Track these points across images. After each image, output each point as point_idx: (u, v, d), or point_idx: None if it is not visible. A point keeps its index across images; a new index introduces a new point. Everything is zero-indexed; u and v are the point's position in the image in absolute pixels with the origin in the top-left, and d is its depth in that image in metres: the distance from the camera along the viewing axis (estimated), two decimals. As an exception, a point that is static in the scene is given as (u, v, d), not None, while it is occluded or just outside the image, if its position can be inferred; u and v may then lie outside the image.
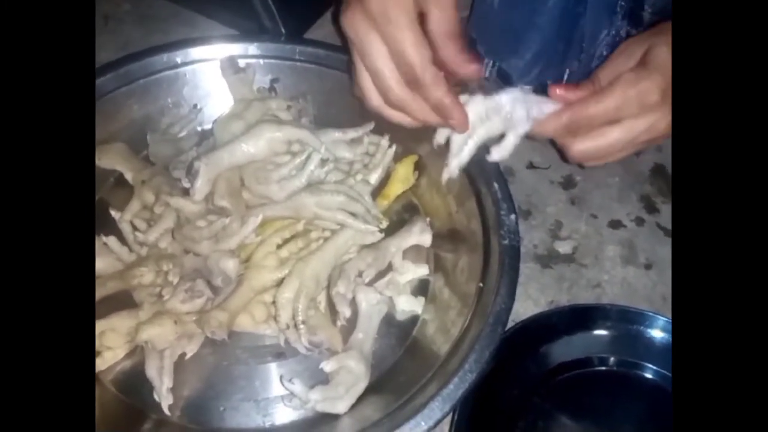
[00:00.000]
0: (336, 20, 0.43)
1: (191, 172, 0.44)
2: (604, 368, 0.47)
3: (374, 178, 0.48)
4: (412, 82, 0.37)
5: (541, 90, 0.50)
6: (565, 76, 0.55)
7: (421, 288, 0.48)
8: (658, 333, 0.47)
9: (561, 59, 0.54)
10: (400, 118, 0.40)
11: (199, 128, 0.54)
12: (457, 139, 0.41)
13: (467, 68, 0.38)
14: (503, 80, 0.58)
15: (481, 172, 0.46)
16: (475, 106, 0.39)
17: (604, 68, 0.40)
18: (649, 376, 0.47)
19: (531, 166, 0.59)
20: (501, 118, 0.39)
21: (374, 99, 0.39)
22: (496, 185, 0.46)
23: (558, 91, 0.39)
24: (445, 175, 0.42)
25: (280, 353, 0.44)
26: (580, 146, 0.39)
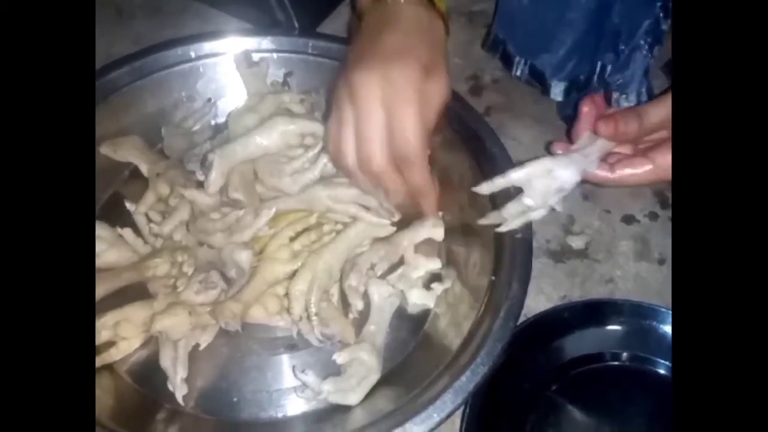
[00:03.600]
0: (354, 7, 0.44)
1: (205, 165, 0.44)
2: (616, 363, 0.47)
3: (387, 171, 0.48)
4: (400, 158, 0.38)
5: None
6: (597, 69, 0.54)
7: (434, 282, 0.47)
8: (670, 328, 0.47)
9: (593, 53, 0.54)
10: (366, 186, 0.41)
11: (213, 122, 0.54)
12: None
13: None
14: (536, 78, 0.58)
15: (493, 167, 0.46)
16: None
17: (652, 103, 0.39)
18: (661, 371, 0.46)
19: (544, 160, 0.59)
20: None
21: (350, 160, 0.39)
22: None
23: (604, 127, 0.39)
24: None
25: (292, 345, 0.45)
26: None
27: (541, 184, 0.39)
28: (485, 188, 0.41)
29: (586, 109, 0.41)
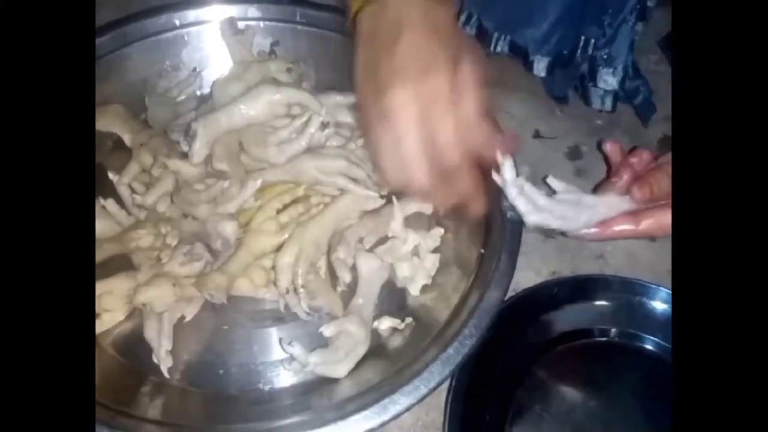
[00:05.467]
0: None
1: (189, 134, 0.43)
2: (604, 339, 0.47)
3: (376, 143, 0.47)
4: (445, 172, 0.37)
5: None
6: (581, 43, 0.53)
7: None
8: (659, 305, 0.47)
9: (578, 26, 0.52)
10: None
11: (198, 92, 0.53)
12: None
13: (503, 148, 0.38)
14: (517, 54, 0.57)
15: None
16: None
17: None
18: (650, 347, 0.46)
19: (537, 135, 0.58)
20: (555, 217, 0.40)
21: (396, 182, 0.38)
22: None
23: (639, 192, 0.39)
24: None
25: (279, 318, 0.44)
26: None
27: (575, 220, 0.39)
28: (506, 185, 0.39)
29: (610, 149, 0.43)
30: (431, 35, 0.35)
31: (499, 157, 0.38)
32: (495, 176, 0.39)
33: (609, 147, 0.43)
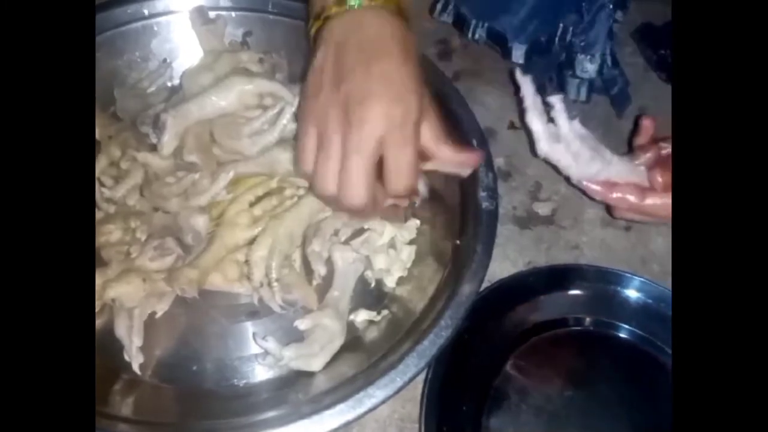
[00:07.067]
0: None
1: (158, 126, 0.43)
2: (579, 328, 0.47)
3: (350, 135, 0.47)
4: (392, 195, 0.37)
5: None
6: (559, 31, 0.53)
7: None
8: (633, 293, 0.48)
9: (555, 13, 0.52)
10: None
11: (168, 83, 0.52)
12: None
13: (472, 158, 0.39)
14: (495, 41, 0.57)
15: (460, 133, 0.45)
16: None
17: None
18: (624, 336, 0.47)
19: (512, 126, 0.58)
20: (569, 152, 0.40)
21: (331, 191, 0.36)
22: (474, 144, 0.45)
23: (659, 179, 0.40)
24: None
25: (253, 312, 0.44)
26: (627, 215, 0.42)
27: (586, 164, 0.40)
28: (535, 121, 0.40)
29: (647, 123, 0.44)
30: (406, 62, 0.36)
31: (519, 76, 0.40)
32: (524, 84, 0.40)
33: (648, 122, 0.44)
